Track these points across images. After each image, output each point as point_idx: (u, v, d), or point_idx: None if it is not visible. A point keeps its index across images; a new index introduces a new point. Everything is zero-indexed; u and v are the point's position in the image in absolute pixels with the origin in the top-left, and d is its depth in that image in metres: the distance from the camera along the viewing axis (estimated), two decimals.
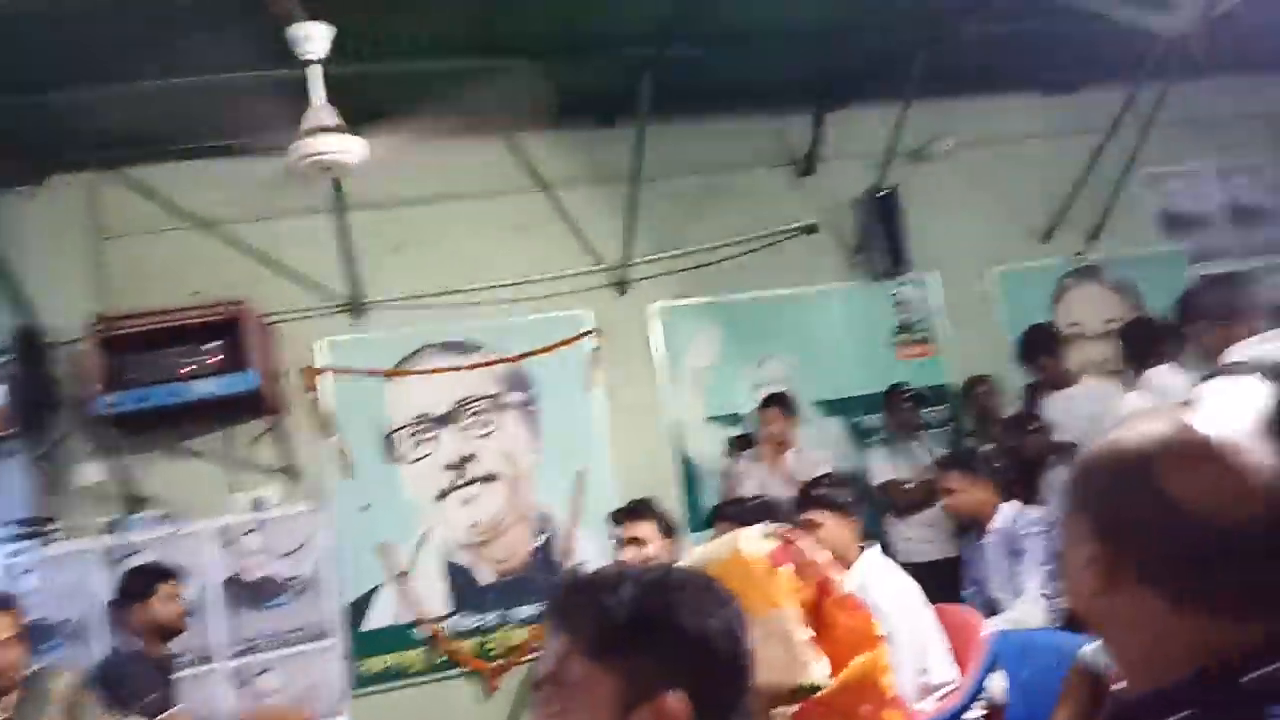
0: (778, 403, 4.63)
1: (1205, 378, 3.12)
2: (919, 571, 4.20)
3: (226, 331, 4.11)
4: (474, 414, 4.69)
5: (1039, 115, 5.49)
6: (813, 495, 2.76)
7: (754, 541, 1.77)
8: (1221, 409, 2.76)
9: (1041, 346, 4.37)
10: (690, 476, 4.90)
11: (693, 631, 0.95)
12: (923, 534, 4.30)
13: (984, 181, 5.38)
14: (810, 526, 2.68)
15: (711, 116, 5.03)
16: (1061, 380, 4.26)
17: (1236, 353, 2.84)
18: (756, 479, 4.55)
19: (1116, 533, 0.85)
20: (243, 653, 4.06)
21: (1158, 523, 0.82)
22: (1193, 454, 0.84)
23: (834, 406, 5.10)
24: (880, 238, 5.11)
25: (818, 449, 4.67)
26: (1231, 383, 2.96)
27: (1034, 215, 5.46)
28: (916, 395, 4.80)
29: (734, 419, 4.97)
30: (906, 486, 4.44)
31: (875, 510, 4.61)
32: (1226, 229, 5.82)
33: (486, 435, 4.69)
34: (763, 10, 3.90)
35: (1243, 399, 2.57)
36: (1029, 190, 5.44)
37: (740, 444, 4.72)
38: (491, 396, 4.73)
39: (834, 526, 2.66)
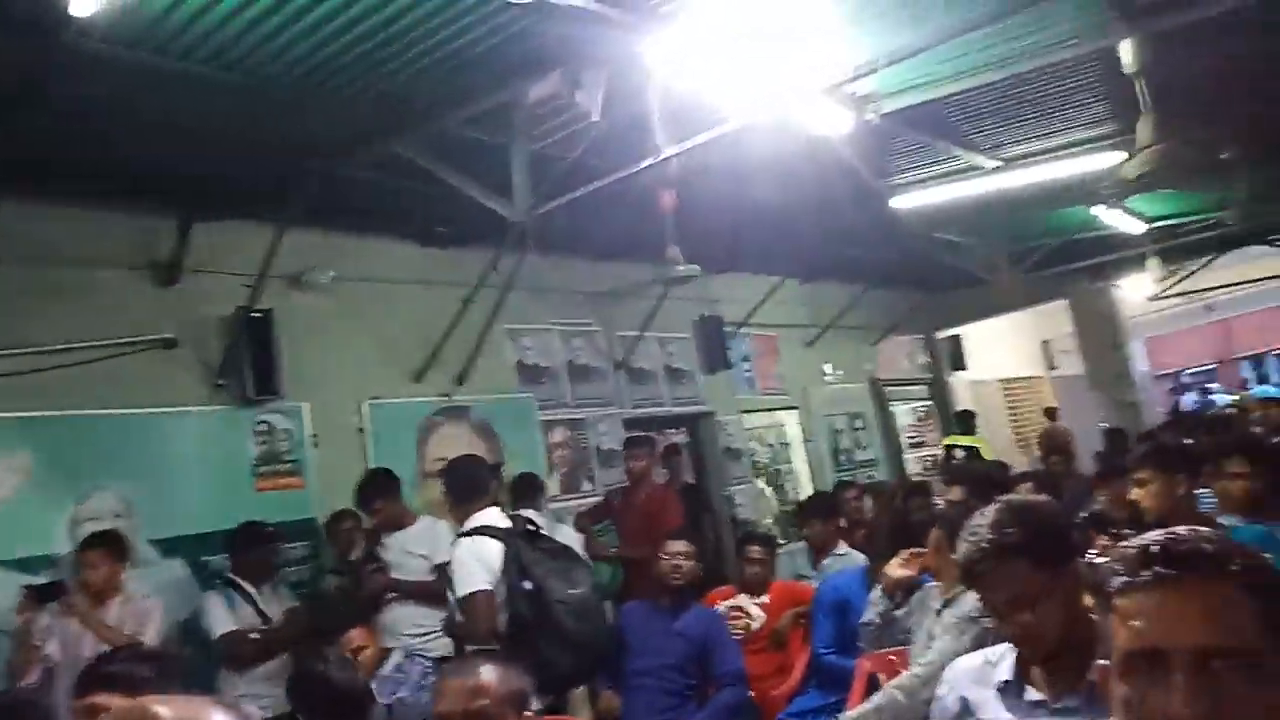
0: (103, 543, 3.93)
1: (455, 539, 3.57)
2: None
3: None
4: None
5: (418, 263, 5.87)
6: (100, 674, 2.28)
7: None
8: (467, 562, 3.16)
9: (375, 491, 4.40)
10: None
11: None
12: (258, 689, 3.95)
13: (362, 317, 5.51)
14: (91, 714, 2.20)
15: (52, 199, 4.29)
16: (399, 521, 4.36)
17: (479, 520, 3.38)
18: (63, 639, 3.75)
19: None
20: None
21: None
22: None
23: (179, 545, 4.52)
24: (249, 361, 4.81)
25: (152, 597, 4.04)
26: (476, 540, 3.48)
27: (408, 354, 5.72)
28: (271, 533, 4.48)
29: (42, 563, 4.07)
30: (251, 636, 4.06)
31: (213, 663, 4.13)
32: (566, 382, 6.84)
33: None
34: (120, 91, 3.45)
35: (482, 552, 3.02)
36: (405, 330, 5.71)
37: (45, 594, 3.84)
38: None
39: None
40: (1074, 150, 5.52)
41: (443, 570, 3.72)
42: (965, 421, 10.19)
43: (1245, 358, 18.74)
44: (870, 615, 3.36)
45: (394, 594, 4.14)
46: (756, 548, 4.29)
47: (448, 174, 3.95)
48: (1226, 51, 4.34)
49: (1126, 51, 3.68)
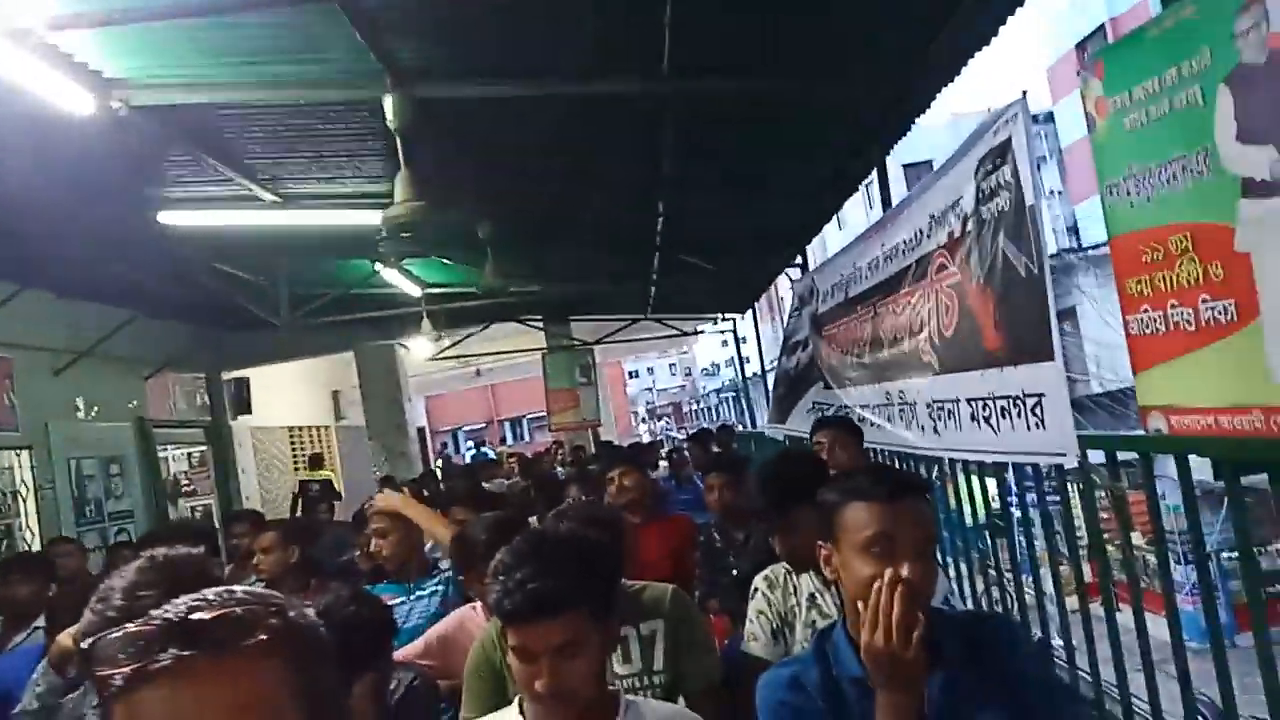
0: None
1: None
2: None
3: None
4: None
5: None
6: None
7: None
8: None
9: None
10: None
11: None
12: None
13: None
14: None
15: None
16: None
17: None
18: None
19: None
20: None
21: None
22: None
23: None
24: None
25: None
26: None
27: None
28: None
29: None
30: None
31: None
32: None
33: None
34: None
35: None
36: None
37: None
38: None
39: None
40: (355, 201, 5.64)
41: None
42: (317, 461, 11.84)
43: (507, 419, 22.11)
44: (28, 700, 2.68)
45: None
46: None
47: None
48: (484, 135, 4.89)
49: (390, 107, 3.83)
